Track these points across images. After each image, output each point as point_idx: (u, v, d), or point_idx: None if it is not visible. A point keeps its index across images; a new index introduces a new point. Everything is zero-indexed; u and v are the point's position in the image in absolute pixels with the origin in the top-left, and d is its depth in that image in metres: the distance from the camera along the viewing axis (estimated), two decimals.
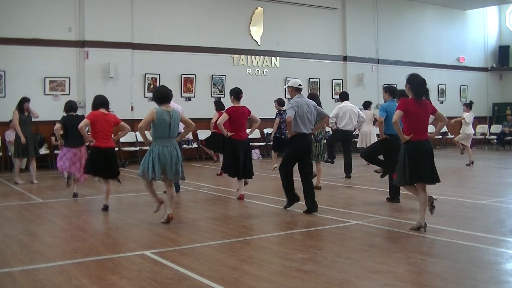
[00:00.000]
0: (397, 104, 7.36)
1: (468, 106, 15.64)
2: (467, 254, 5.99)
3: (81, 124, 8.59)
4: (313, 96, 10.32)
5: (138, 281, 5.03)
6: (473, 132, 15.59)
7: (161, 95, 7.59)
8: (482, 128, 24.12)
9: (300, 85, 8.63)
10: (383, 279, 5.05)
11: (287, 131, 8.51)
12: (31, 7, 15.17)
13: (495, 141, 23.22)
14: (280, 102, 13.97)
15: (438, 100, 23.79)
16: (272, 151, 14.74)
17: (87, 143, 9.29)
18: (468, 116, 15.32)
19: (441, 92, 24.18)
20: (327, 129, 13.55)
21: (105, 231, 7.58)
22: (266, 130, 18.28)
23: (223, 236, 6.95)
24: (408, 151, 6.89)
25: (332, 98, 20.53)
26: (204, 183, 11.96)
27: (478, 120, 24.61)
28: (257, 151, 18.41)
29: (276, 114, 13.74)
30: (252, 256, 5.97)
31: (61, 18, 15.60)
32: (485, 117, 25.42)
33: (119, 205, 9.38)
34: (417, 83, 6.94)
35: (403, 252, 6.08)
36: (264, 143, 18.51)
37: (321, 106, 9.78)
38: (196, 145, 17.39)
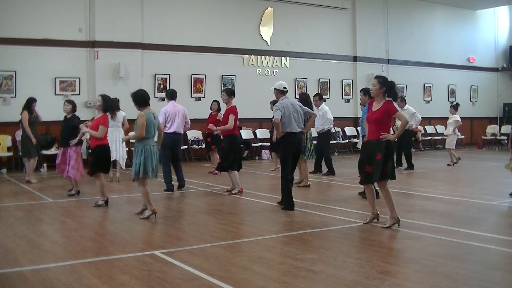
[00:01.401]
0: (392, 106, 7.26)
1: (455, 108, 15.59)
2: (478, 255, 5.96)
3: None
4: (306, 96, 10.56)
5: (148, 280, 5.04)
6: (459, 134, 15.68)
7: (143, 99, 8.05)
8: (492, 128, 23.98)
9: (285, 87, 8.90)
10: (393, 279, 5.04)
11: (276, 132, 8.70)
12: (42, 7, 15.23)
13: (506, 141, 23.05)
14: (275, 104, 13.99)
15: (448, 101, 23.66)
16: (273, 153, 14.93)
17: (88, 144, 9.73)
18: (457, 119, 15.38)
19: (451, 93, 24.07)
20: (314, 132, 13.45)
21: (115, 231, 7.60)
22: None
23: (233, 236, 6.96)
24: (383, 150, 7.12)
25: (342, 98, 20.55)
26: (213, 183, 11.98)
27: (488, 121, 24.55)
28: (267, 151, 18.39)
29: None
30: (261, 256, 5.96)
31: (72, 18, 15.66)
32: (496, 117, 25.28)
33: (129, 204, 9.40)
34: (394, 87, 7.25)
35: (413, 253, 6.07)
36: None
37: (311, 106, 10.01)
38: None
